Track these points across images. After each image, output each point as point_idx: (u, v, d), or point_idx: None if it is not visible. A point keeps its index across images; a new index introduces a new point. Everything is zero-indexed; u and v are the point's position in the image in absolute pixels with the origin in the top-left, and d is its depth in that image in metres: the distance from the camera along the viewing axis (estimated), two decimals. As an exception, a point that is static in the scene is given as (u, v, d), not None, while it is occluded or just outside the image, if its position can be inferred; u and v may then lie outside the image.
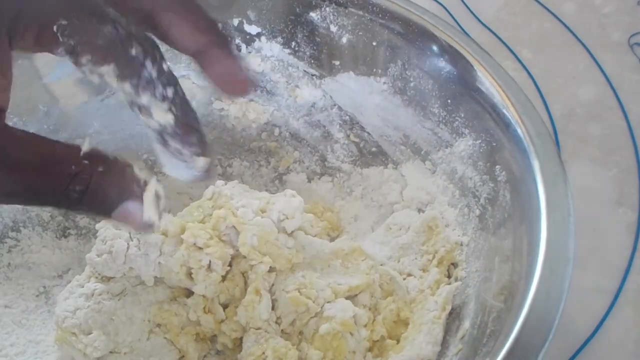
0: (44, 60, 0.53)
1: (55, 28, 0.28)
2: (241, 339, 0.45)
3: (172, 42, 0.33)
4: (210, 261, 0.44)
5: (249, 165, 0.58)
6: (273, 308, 0.44)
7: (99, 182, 0.30)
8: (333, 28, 0.53)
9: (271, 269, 0.45)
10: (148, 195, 0.32)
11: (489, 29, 0.72)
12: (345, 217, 0.54)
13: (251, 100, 0.58)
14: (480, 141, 0.46)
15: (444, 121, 0.49)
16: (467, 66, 0.46)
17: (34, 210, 0.53)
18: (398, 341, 0.44)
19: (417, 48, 0.49)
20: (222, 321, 0.45)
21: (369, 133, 0.55)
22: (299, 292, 0.43)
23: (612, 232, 0.55)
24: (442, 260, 0.46)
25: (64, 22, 0.28)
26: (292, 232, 0.46)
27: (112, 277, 0.46)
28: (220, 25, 0.34)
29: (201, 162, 0.33)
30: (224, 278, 0.45)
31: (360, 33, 0.52)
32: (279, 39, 0.55)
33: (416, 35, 0.49)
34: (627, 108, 0.64)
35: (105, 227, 0.46)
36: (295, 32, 0.54)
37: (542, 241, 0.37)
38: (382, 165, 0.55)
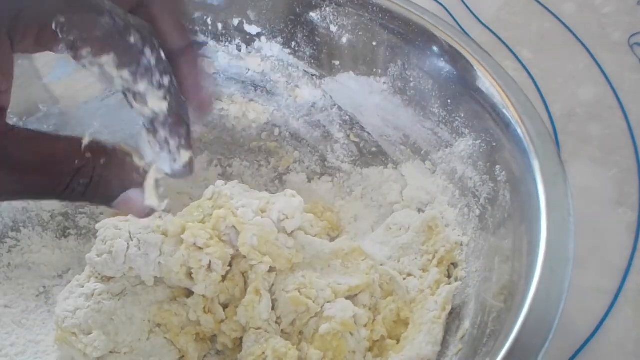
0: (44, 60, 0.53)
1: (54, 25, 0.29)
2: (241, 339, 0.45)
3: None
4: (210, 261, 0.44)
5: (249, 165, 0.58)
6: (273, 308, 0.44)
7: (101, 174, 0.31)
8: (333, 28, 0.53)
9: (271, 269, 0.45)
10: (149, 183, 0.33)
11: (489, 29, 0.72)
12: (345, 217, 0.54)
13: (251, 100, 0.58)
14: (480, 141, 0.46)
15: (444, 121, 0.49)
16: (467, 66, 0.46)
17: (34, 210, 0.53)
18: (398, 341, 0.44)
19: (417, 48, 0.49)
20: (222, 321, 0.45)
21: (369, 133, 0.55)
22: (299, 292, 0.43)
23: (612, 232, 0.55)
24: (442, 260, 0.46)
25: (62, 19, 0.29)
26: (292, 232, 0.46)
27: (112, 277, 0.46)
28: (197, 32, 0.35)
29: (184, 155, 0.33)
30: (224, 278, 0.45)
31: (360, 33, 0.52)
32: (279, 39, 0.55)
33: (416, 35, 0.49)
34: (627, 108, 0.64)
35: (105, 227, 0.46)
36: (295, 32, 0.54)
37: (542, 241, 0.37)
38: (382, 165, 0.54)
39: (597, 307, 0.50)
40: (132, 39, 0.30)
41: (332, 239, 0.51)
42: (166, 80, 0.32)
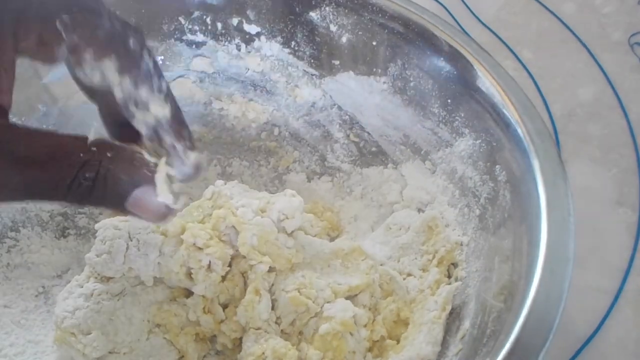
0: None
1: (58, 24, 0.29)
2: (241, 339, 0.45)
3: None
4: (210, 261, 0.44)
5: (249, 165, 0.58)
6: (273, 308, 0.44)
7: (108, 167, 0.30)
8: (333, 28, 0.53)
9: (271, 269, 0.45)
10: (159, 177, 0.31)
11: (489, 28, 0.72)
12: (345, 217, 0.54)
13: (251, 99, 0.58)
14: (480, 141, 0.46)
15: (444, 121, 0.49)
16: (467, 66, 0.46)
17: (33, 210, 0.53)
18: (398, 341, 0.44)
19: (417, 48, 0.49)
20: (222, 321, 0.45)
21: (368, 133, 0.55)
22: (298, 292, 0.43)
23: (612, 232, 0.55)
24: (442, 260, 0.46)
25: (66, 18, 0.29)
26: (292, 232, 0.46)
27: (112, 277, 0.45)
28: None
29: (193, 156, 0.33)
30: (223, 278, 0.45)
31: (360, 33, 0.52)
32: (279, 38, 0.55)
33: (416, 35, 0.49)
34: (627, 108, 0.64)
35: (104, 227, 0.46)
36: (295, 31, 0.54)
37: (542, 241, 0.37)
38: (382, 165, 0.54)
39: (598, 307, 0.50)
40: (131, 44, 0.30)
41: (332, 239, 0.51)
42: (164, 85, 0.32)
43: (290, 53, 0.55)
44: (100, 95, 0.32)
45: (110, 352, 0.44)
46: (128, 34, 0.30)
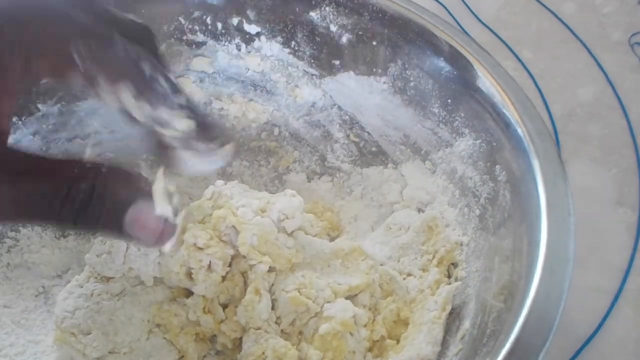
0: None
1: (72, 49, 0.29)
2: (241, 339, 0.45)
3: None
4: (210, 261, 0.44)
5: (249, 165, 0.58)
6: (273, 308, 0.44)
7: (104, 182, 0.30)
8: (333, 28, 0.53)
9: (271, 269, 0.45)
10: (157, 189, 0.31)
11: (489, 28, 0.72)
12: (345, 217, 0.54)
13: (251, 99, 0.58)
14: (480, 141, 0.46)
15: (444, 121, 0.49)
16: (467, 66, 0.46)
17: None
18: (398, 341, 0.44)
19: (417, 48, 0.49)
20: (222, 321, 0.45)
21: (369, 133, 0.55)
22: (298, 292, 0.43)
23: (612, 232, 0.55)
24: (442, 260, 0.46)
25: (80, 45, 0.29)
26: (292, 232, 0.46)
27: (112, 277, 0.46)
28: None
29: (228, 148, 0.33)
30: (223, 278, 0.45)
31: (360, 33, 0.52)
32: (279, 38, 0.55)
33: (416, 35, 0.49)
34: (627, 108, 0.64)
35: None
36: (295, 31, 0.54)
37: (542, 241, 0.37)
38: (382, 165, 0.54)
39: (597, 307, 0.50)
40: (144, 67, 0.30)
41: (332, 239, 0.51)
42: (183, 99, 0.32)
43: (290, 53, 0.55)
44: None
45: (110, 352, 0.44)
46: (141, 58, 0.31)
